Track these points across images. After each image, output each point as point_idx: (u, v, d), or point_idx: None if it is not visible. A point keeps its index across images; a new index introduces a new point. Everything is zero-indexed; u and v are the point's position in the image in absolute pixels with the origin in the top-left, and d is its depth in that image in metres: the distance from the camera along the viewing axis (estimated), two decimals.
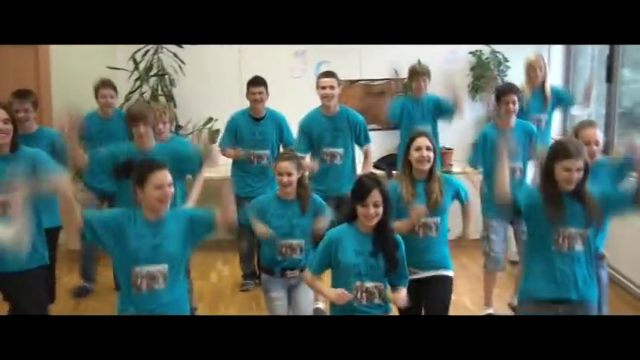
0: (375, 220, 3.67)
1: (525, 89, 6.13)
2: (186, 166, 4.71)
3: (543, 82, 6.16)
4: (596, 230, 3.77)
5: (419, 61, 6.54)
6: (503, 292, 5.70)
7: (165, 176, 3.55)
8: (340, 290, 3.64)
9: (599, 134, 4.39)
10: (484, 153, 5.38)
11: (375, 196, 3.63)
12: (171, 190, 3.58)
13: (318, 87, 5.65)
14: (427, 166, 4.21)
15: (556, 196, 3.64)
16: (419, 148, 4.20)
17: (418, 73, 6.20)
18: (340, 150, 5.70)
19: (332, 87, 5.61)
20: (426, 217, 4.20)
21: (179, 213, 3.73)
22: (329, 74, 5.68)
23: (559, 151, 3.64)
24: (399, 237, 3.81)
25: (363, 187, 3.67)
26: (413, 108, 6.17)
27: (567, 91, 6.49)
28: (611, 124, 6.54)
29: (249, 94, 5.91)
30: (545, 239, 3.71)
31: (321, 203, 4.57)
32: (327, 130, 5.68)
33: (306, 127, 5.72)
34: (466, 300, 5.78)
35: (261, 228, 4.38)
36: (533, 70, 6.10)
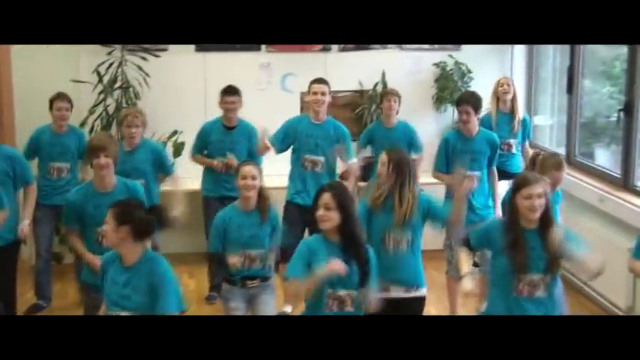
0: (327, 224, 3.67)
1: (492, 112, 6.24)
2: (160, 167, 5.30)
3: (512, 106, 6.27)
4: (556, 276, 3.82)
5: (382, 84, 6.57)
6: (467, 302, 5.72)
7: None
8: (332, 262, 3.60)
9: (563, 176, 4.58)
10: (447, 158, 5.45)
11: (325, 198, 3.66)
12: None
13: (309, 93, 5.70)
14: (387, 182, 4.24)
15: (519, 237, 3.70)
16: (383, 164, 4.27)
17: (388, 93, 6.26)
18: (321, 158, 5.71)
19: (323, 93, 5.66)
20: (395, 231, 4.24)
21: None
22: (321, 81, 5.74)
23: (518, 182, 3.74)
24: (370, 249, 3.83)
25: (317, 192, 3.74)
26: (384, 135, 6.16)
27: (530, 126, 6.64)
28: (572, 135, 6.63)
29: (222, 103, 5.94)
30: (506, 284, 3.75)
31: (277, 216, 4.62)
32: (311, 137, 5.69)
33: (292, 127, 5.75)
34: (432, 310, 5.80)
35: (231, 259, 4.42)
36: (501, 86, 6.24)
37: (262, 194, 4.52)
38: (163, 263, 3.59)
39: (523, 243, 3.69)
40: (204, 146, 6.05)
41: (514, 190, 3.74)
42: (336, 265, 3.56)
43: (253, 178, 4.42)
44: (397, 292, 4.27)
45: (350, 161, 5.82)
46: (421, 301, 4.38)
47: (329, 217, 3.66)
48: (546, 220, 3.71)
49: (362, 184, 6.63)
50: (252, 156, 5.92)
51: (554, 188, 4.43)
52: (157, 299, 3.46)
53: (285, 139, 5.75)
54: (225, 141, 5.96)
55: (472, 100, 5.47)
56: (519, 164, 6.29)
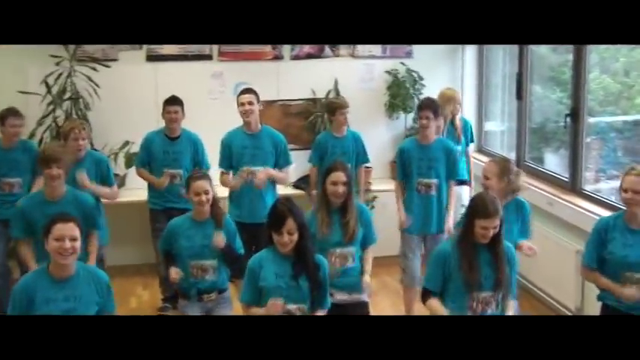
0: (289, 247, 3.71)
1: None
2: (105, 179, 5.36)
3: (454, 116, 6.33)
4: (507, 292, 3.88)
5: (335, 92, 6.58)
6: (423, 307, 5.74)
7: (67, 229, 3.48)
8: (270, 302, 3.66)
9: (489, 170, 4.52)
10: (403, 166, 5.47)
11: (289, 224, 3.67)
12: (75, 246, 3.50)
13: (238, 105, 5.65)
14: (341, 200, 4.27)
15: (472, 256, 3.76)
16: (335, 183, 4.26)
17: (340, 106, 6.14)
18: (260, 168, 5.68)
19: (250, 102, 5.60)
20: (342, 247, 4.28)
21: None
22: (247, 91, 5.69)
23: (478, 210, 3.75)
24: (321, 258, 3.85)
25: (277, 216, 3.70)
26: (333, 145, 6.12)
27: (471, 130, 6.67)
28: (522, 140, 6.72)
29: (164, 113, 5.89)
30: (460, 302, 3.80)
31: (232, 224, 4.60)
32: (247, 148, 5.66)
33: (226, 143, 5.71)
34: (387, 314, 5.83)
35: (172, 273, 4.39)
36: (452, 103, 6.28)
37: (215, 204, 4.51)
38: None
39: (476, 262, 3.76)
40: (148, 158, 5.98)
41: (472, 216, 3.77)
42: (275, 308, 3.64)
43: (206, 192, 4.40)
44: (341, 296, 4.31)
45: (286, 169, 5.81)
46: (365, 305, 4.42)
47: (292, 241, 3.70)
48: (496, 238, 3.78)
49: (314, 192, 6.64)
50: (199, 165, 5.91)
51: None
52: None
53: (229, 156, 5.70)
54: (169, 152, 5.91)
55: (433, 106, 5.50)
56: (464, 170, 6.34)
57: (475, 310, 3.78)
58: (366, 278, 4.39)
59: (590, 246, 4.17)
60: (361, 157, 6.17)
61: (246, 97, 5.62)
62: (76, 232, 3.51)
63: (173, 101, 5.89)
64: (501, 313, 3.84)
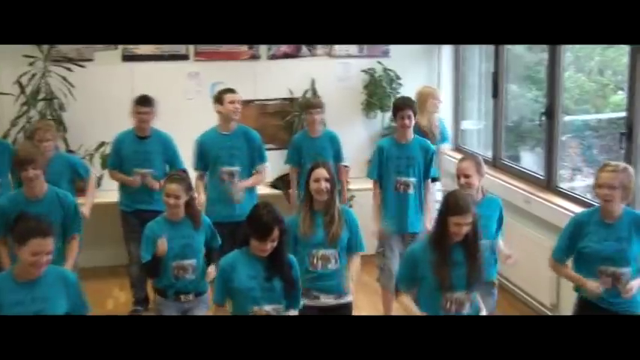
0: (269, 252, 3.70)
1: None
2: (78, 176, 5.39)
3: (431, 113, 6.33)
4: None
5: (312, 91, 6.58)
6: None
7: (45, 245, 3.38)
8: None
9: (468, 168, 4.53)
10: (380, 166, 5.47)
11: (275, 234, 3.66)
12: (49, 258, 3.42)
13: (222, 103, 5.61)
14: (325, 197, 4.25)
15: (445, 255, 3.75)
16: (317, 180, 4.24)
17: (311, 106, 6.17)
18: (238, 168, 5.67)
19: (239, 101, 5.65)
20: (324, 249, 4.26)
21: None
22: (233, 90, 5.68)
23: (451, 207, 3.76)
24: (292, 258, 3.85)
25: (263, 225, 3.65)
26: (309, 146, 6.12)
27: (446, 130, 6.69)
28: (497, 138, 6.75)
29: (135, 113, 5.83)
30: (434, 302, 3.80)
31: (210, 224, 4.60)
32: (224, 149, 5.65)
33: (202, 145, 5.68)
34: (365, 314, 5.83)
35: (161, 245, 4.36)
36: (435, 98, 6.28)
37: (191, 204, 4.49)
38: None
39: (449, 261, 3.76)
40: (119, 159, 5.92)
41: (445, 213, 3.78)
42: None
43: (176, 197, 4.39)
44: (327, 300, 4.31)
45: (261, 166, 5.81)
46: (349, 306, 4.41)
47: (272, 247, 3.69)
48: (470, 237, 3.79)
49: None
50: (171, 164, 5.88)
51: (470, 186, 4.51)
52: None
53: (205, 157, 5.69)
54: (139, 151, 5.86)
55: (413, 105, 5.51)
56: (437, 170, 6.35)
57: (449, 310, 3.78)
58: (350, 286, 4.38)
59: (561, 240, 4.21)
60: (337, 157, 6.17)
61: (236, 97, 5.62)
62: (52, 247, 3.43)
63: (144, 101, 5.82)
64: (476, 312, 3.85)
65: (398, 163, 5.45)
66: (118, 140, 5.94)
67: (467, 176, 4.51)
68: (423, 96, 6.31)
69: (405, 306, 3.90)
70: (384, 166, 5.48)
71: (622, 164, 4.09)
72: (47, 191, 4.61)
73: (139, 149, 5.85)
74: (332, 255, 4.28)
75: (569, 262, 4.27)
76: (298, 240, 4.21)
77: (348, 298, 4.39)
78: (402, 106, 5.47)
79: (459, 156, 7.15)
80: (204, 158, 5.68)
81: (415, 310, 3.83)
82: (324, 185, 4.21)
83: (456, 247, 3.79)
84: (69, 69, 6.56)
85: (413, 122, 5.46)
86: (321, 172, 4.23)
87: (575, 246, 4.12)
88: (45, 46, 6.52)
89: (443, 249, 3.77)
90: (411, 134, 5.50)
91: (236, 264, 3.73)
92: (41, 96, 6.57)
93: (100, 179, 6.66)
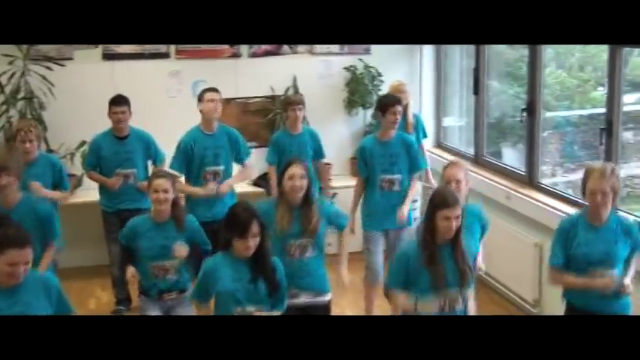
0: (252, 250, 3.68)
1: None
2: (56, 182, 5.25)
3: (406, 110, 6.32)
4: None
5: (294, 89, 6.59)
6: (383, 303, 5.76)
7: (22, 256, 3.29)
8: None
9: (459, 173, 4.49)
10: (365, 163, 5.47)
11: (254, 229, 3.64)
12: (27, 267, 3.34)
13: (204, 102, 5.58)
14: (300, 195, 4.23)
15: (435, 253, 3.74)
16: (291, 178, 4.22)
17: (291, 102, 6.16)
18: (222, 168, 5.66)
19: (220, 100, 5.63)
20: (301, 238, 4.25)
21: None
22: (215, 89, 5.66)
23: (438, 202, 3.75)
24: (276, 260, 3.84)
25: (240, 222, 3.64)
26: (289, 143, 6.11)
27: (424, 126, 6.63)
28: (479, 135, 6.78)
29: (111, 114, 5.78)
30: (429, 301, 3.78)
31: (194, 222, 4.56)
32: (208, 149, 5.62)
33: (187, 145, 5.63)
34: (348, 313, 5.84)
35: (128, 274, 4.40)
36: (399, 93, 6.26)
37: (176, 204, 4.47)
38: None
39: (440, 259, 3.75)
40: (98, 160, 5.87)
41: (433, 209, 3.76)
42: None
43: (165, 191, 4.36)
44: (307, 297, 4.31)
45: (247, 161, 5.82)
46: (328, 305, 4.42)
47: (255, 244, 3.68)
48: (458, 234, 3.77)
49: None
50: (153, 160, 5.87)
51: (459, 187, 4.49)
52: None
53: (186, 158, 5.63)
54: (120, 152, 5.82)
55: (400, 101, 5.51)
56: (424, 160, 6.36)
57: (444, 308, 3.76)
58: (343, 271, 4.42)
59: (556, 247, 4.11)
60: (318, 153, 6.17)
61: (215, 95, 5.60)
62: (30, 257, 3.35)
63: (119, 101, 5.77)
64: (464, 311, 3.84)
65: (382, 162, 5.44)
66: (95, 142, 5.89)
67: (458, 182, 4.47)
68: (391, 90, 6.31)
69: (401, 304, 3.87)
70: (369, 166, 5.48)
71: (609, 166, 4.02)
72: (21, 200, 4.48)
73: (119, 150, 5.81)
74: (309, 242, 4.26)
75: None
76: (276, 234, 4.17)
77: (327, 297, 4.39)
78: (392, 102, 5.43)
79: (439, 153, 7.25)
80: (187, 158, 5.62)
81: (411, 306, 3.79)
82: (299, 183, 4.20)
83: (446, 246, 3.78)
84: (49, 68, 6.51)
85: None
86: (295, 170, 4.21)
87: (568, 250, 4.07)
88: (24, 45, 6.47)
89: (434, 247, 3.75)
90: (393, 131, 5.50)
91: (219, 266, 3.72)
92: (21, 95, 6.53)
93: (81, 178, 6.63)
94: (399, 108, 5.40)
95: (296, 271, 4.20)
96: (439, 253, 3.76)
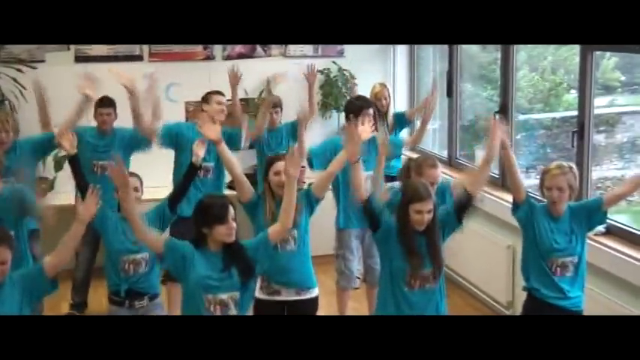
0: (234, 234, 3.67)
1: None
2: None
3: (387, 112, 6.34)
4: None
5: (268, 90, 6.58)
6: (359, 306, 5.78)
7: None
8: None
9: (440, 173, 4.59)
10: (324, 153, 5.43)
11: (232, 211, 3.66)
12: (4, 268, 3.35)
13: (208, 102, 5.70)
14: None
15: (410, 238, 3.79)
16: (277, 173, 4.24)
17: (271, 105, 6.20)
18: (212, 164, 5.68)
19: (226, 105, 5.74)
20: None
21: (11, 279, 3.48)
22: (222, 93, 5.79)
23: (411, 195, 3.79)
24: (244, 241, 3.81)
25: (217, 207, 3.64)
26: (269, 137, 6.18)
27: (404, 114, 6.64)
28: (452, 137, 6.80)
29: (96, 115, 5.77)
30: (399, 280, 3.83)
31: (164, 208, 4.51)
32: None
33: (172, 128, 5.71)
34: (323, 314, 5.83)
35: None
36: (378, 99, 6.28)
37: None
38: None
39: (416, 246, 3.80)
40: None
41: (406, 202, 3.80)
42: None
43: (135, 189, 4.31)
44: (289, 295, 4.30)
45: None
46: (314, 302, 4.42)
47: (235, 227, 3.68)
48: (431, 226, 3.82)
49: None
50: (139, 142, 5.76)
51: (433, 186, 4.49)
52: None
53: (173, 138, 5.69)
54: (99, 145, 5.78)
55: (372, 103, 5.54)
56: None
57: (413, 286, 3.81)
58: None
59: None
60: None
61: (224, 99, 5.71)
62: (7, 256, 3.35)
63: (105, 103, 5.77)
64: (439, 287, 3.89)
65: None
66: (77, 131, 5.79)
67: (433, 184, 4.48)
68: (372, 94, 6.34)
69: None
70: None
71: (567, 164, 4.18)
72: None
73: (98, 143, 5.77)
74: (291, 236, 4.26)
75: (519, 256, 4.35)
76: (261, 225, 4.18)
77: (313, 294, 4.40)
78: (366, 105, 5.41)
79: (413, 155, 7.25)
80: (172, 138, 5.67)
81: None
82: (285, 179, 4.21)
83: (418, 237, 3.81)
84: (20, 70, 6.45)
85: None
86: (282, 166, 4.21)
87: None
88: None
89: (407, 239, 3.80)
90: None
91: (194, 258, 3.68)
92: None
93: (53, 182, 6.57)
94: (370, 111, 5.37)
95: (279, 267, 4.21)
96: (414, 244, 3.80)
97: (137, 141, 5.76)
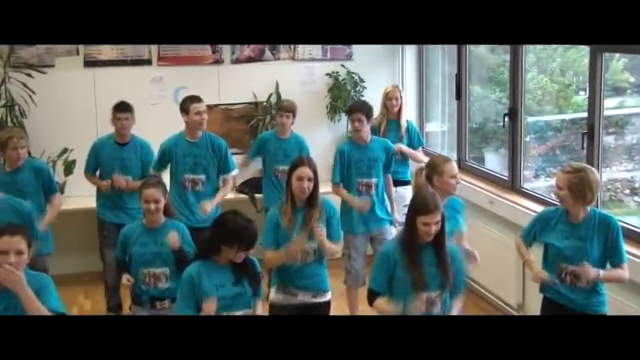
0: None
1: (381, 120, 6.31)
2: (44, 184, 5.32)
3: (399, 113, 6.35)
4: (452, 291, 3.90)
5: (277, 95, 6.59)
6: (366, 308, 5.75)
7: (13, 243, 3.31)
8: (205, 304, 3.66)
9: (455, 165, 4.51)
10: (342, 168, 5.49)
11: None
12: (21, 258, 3.33)
13: (187, 112, 5.57)
14: (305, 196, 4.25)
15: (416, 254, 3.76)
16: (300, 178, 4.23)
17: (280, 108, 6.23)
18: (202, 177, 5.66)
19: (205, 112, 5.62)
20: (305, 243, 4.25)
21: None
22: (199, 99, 5.64)
23: (419, 207, 3.76)
24: (253, 258, 3.83)
25: (249, 237, 3.69)
26: (277, 145, 6.15)
27: (419, 133, 6.63)
28: (462, 140, 6.79)
29: (114, 120, 5.79)
30: (406, 301, 3.78)
31: (185, 231, 4.51)
32: (188, 157, 5.63)
33: (167, 150, 5.66)
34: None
35: (124, 280, 4.39)
36: (389, 99, 6.29)
37: (168, 211, 4.45)
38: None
39: (420, 261, 3.77)
40: (97, 164, 5.90)
41: (413, 213, 3.77)
42: (209, 308, 3.68)
43: (156, 201, 4.33)
44: (305, 297, 4.33)
45: (229, 175, 5.78)
46: (328, 304, 4.44)
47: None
48: (440, 236, 3.78)
49: (258, 195, 6.63)
50: (145, 168, 5.83)
51: (454, 181, 4.46)
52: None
53: (166, 162, 5.69)
54: (117, 158, 5.81)
55: (364, 108, 5.53)
56: (408, 173, 6.39)
57: (419, 309, 3.77)
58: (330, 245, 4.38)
59: (530, 224, 4.29)
60: None
61: (202, 106, 5.60)
62: (22, 246, 3.34)
63: (123, 107, 5.80)
64: (446, 312, 3.85)
65: (359, 165, 5.50)
66: (95, 146, 5.90)
67: (455, 177, 4.45)
68: (384, 96, 6.38)
69: (383, 308, 3.85)
70: (345, 170, 5.51)
71: (580, 166, 4.09)
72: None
73: (116, 156, 5.81)
74: (311, 248, 4.27)
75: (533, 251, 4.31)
76: (279, 232, 4.22)
77: (326, 297, 4.41)
78: (350, 110, 5.60)
79: (422, 158, 7.24)
80: (166, 162, 5.67)
81: (393, 309, 3.78)
82: (307, 185, 4.21)
83: (425, 248, 3.79)
84: (30, 75, 6.47)
85: (365, 126, 5.50)
86: (305, 171, 4.22)
87: (539, 235, 4.19)
88: (5, 52, 6.43)
89: (413, 250, 3.77)
90: (368, 136, 5.54)
91: (202, 274, 3.70)
92: (1, 102, 6.48)
93: (63, 186, 6.59)
94: (358, 115, 5.44)
95: (296, 273, 4.26)
96: (420, 254, 3.78)
97: (147, 167, 5.84)
